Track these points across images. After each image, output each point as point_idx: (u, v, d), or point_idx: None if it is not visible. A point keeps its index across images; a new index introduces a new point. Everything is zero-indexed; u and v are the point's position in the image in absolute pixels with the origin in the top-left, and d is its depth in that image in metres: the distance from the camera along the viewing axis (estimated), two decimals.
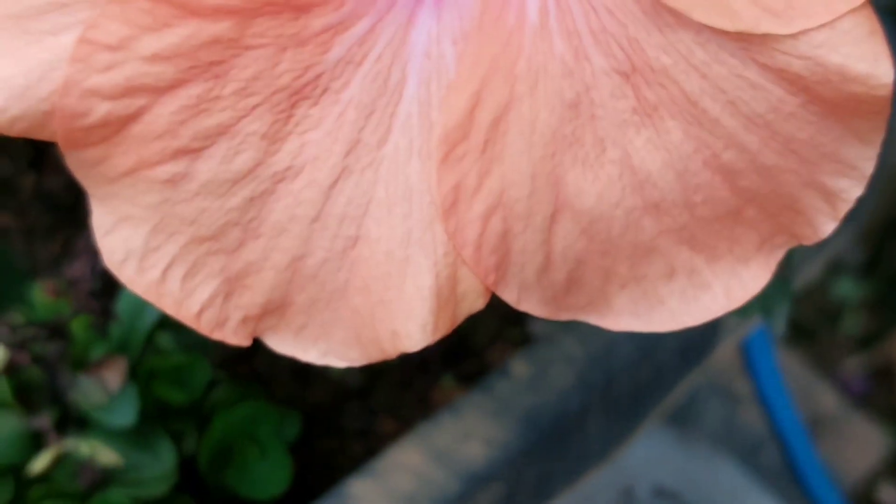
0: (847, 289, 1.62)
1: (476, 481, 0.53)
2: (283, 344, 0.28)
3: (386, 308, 0.27)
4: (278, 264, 0.27)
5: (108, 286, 0.46)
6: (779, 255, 0.27)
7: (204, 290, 0.28)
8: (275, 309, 0.28)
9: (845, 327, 1.61)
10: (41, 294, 0.47)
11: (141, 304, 0.47)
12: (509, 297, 0.27)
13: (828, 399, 1.54)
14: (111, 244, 0.27)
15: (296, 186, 0.27)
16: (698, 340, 0.62)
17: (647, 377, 0.61)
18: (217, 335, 0.28)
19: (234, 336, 0.28)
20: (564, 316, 0.28)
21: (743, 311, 0.42)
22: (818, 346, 1.62)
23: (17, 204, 0.63)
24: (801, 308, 1.62)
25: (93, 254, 0.45)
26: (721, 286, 0.27)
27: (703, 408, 1.41)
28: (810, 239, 0.27)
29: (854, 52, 0.24)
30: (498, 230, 0.26)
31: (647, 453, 1.00)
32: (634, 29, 0.25)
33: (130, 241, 0.27)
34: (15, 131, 0.26)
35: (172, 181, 0.27)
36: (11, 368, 0.46)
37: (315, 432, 0.58)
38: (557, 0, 0.26)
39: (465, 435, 0.54)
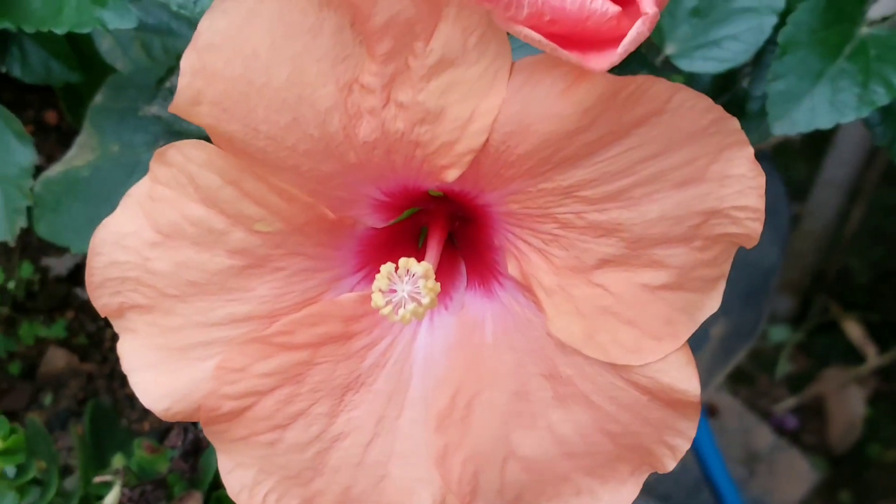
0: (781, 335, 1.73)
1: None
2: None
3: None
4: (335, 491, 0.42)
5: (196, 448, 0.60)
6: (643, 478, 0.42)
7: None
8: None
9: (780, 371, 1.72)
10: (140, 451, 0.61)
11: (211, 458, 0.61)
12: None
13: (764, 436, 1.66)
14: (232, 480, 0.42)
15: (345, 444, 0.42)
16: None
17: None
18: None
19: None
20: None
21: None
22: (756, 389, 1.73)
23: (100, 354, 0.77)
24: (743, 355, 1.75)
25: (182, 429, 0.59)
26: (609, 498, 0.42)
27: None
28: (663, 469, 0.41)
29: (677, 375, 0.39)
30: (471, 471, 0.41)
31: None
32: (551, 352, 0.40)
33: (244, 479, 0.42)
34: (174, 419, 0.41)
35: (270, 443, 0.41)
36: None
37: None
38: (504, 329, 0.41)
39: None
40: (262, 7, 0.35)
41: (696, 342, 0.77)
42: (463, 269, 0.43)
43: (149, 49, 0.62)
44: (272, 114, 0.36)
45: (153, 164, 0.39)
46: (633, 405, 0.39)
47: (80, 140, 0.60)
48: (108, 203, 0.57)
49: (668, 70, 0.62)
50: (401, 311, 0.37)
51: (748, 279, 0.80)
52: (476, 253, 0.42)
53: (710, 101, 0.35)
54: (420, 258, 0.40)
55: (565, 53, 0.33)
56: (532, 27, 0.34)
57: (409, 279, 0.38)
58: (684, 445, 0.40)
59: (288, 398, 0.41)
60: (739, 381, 1.70)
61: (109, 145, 0.59)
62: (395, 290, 0.38)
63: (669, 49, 0.62)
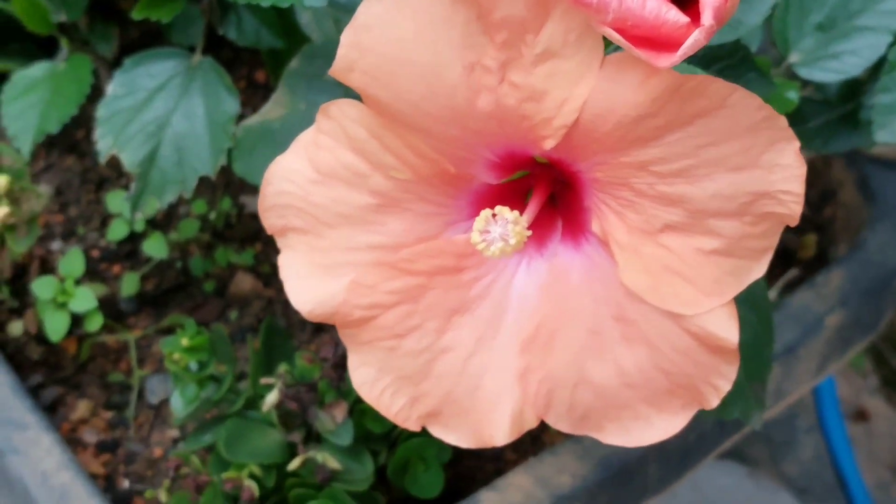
0: None
1: (563, 500, 0.74)
2: (435, 431, 0.51)
3: (488, 422, 0.50)
4: (438, 393, 0.51)
5: (343, 361, 0.70)
6: (693, 412, 0.49)
7: (400, 401, 0.51)
8: (434, 414, 0.51)
9: None
10: (301, 360, 0.71)
11: None
12: (549, 421, 0.50)
13: None
14: (357, 376, 0.51)
15: (450, 357, 0.50)
16: (732, 420, 0.81)
17: (692, 440, 0.81)
18: (403, 424, 0.51)
19: (412, 425, 0.51)
20: (578, 432, 0.50)
21: (726, 414, 0.63)
22: None
23: (279, 283, 0.87)
24: None
25: (335, 343, 0.69)
26: (661, 425, 0.49)
27: (803, 440, 1.57)
28: (708, 406, 0.48)
29: (721, 325, 0.46)
30: (546, 388, 0.49)
31: (722, 483, 1.20)
32: (622, 298, 0.47)
33: (366, 375, 0.51)
34: (315, 320, 0.50)
35: (390, 349, 0.50)
36: (279, 404, 0.70)
37: (464, 455, 0.81)
38: (586, 277, 0.49)
39: (560, 469, 0.75)
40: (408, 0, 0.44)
41: (810, 330, 0.82)
42: (559, 224, 0.50)
43: (339, 24, 0.72)
44: (411, 84, 0.45)
45: (319, 116, 0.49)
46: (685, 348, 0.47)
47: (275, 97, 0.71)
48: None
49: (787, 76, 0.68)
50: (492, 248, 0.46)
51: (871, 276, 0.85)
52: (570, 212, 0.50)
53: (761, 100, 0.42)
54: (523, 212, 0.48)
55: (637, 52, 0.41)
56: (616, 29, 0.41)
57: (501, 223, 0.46)
58: (726, 386, 0.47)
59: (406, 314, 0.50)
60: None
61: (298, 103, 0.69)
62: (489, 231, 0.46)
63: (793, 58, 0.69)
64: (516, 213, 0.46)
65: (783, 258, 0.97)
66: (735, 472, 1.25)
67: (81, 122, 0.88)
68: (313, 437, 0.71)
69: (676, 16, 0.41)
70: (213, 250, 0.86)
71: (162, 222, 0.87)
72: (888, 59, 0.64)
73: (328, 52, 0.68)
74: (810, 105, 0.73)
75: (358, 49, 0.45)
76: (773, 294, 0.91)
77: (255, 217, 0.88)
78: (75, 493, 0.70)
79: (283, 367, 0.72)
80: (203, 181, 0.73)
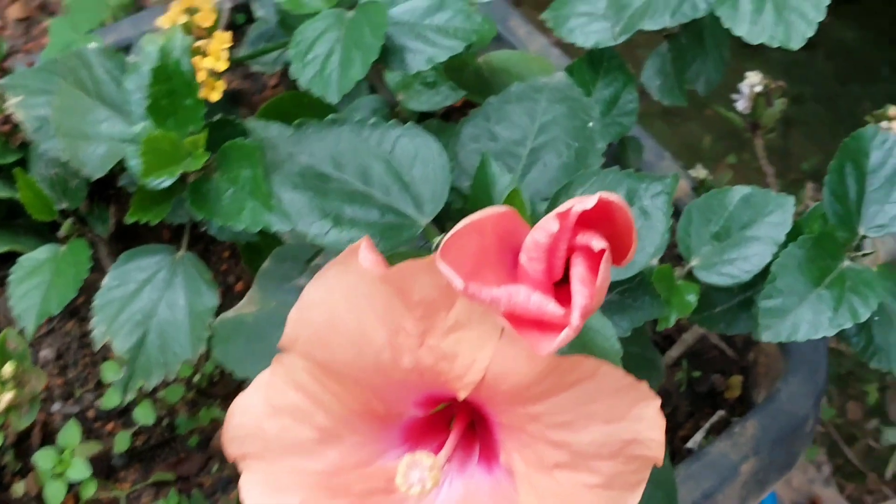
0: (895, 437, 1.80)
1: None
2: None
3: None
4: None
5: None
6: None
7: None
8: None
9: (889, 470, 1.79)
10: None
11: None
12: None
13: None
14: None
15: None
16: None
17: None
18: None
19: None
20: None
21: None
22: (864, 487, 1.80)
23: None
24: (856, 452, 1.83)
25: None
26: None
27: None
28: None
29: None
30: None
31: None
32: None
33: None
34: None
35: None
36: None
37: None
38: (493, 495, 0.57)
39: None
40: (340, 283, 0.52)
41: (727, 477, 0.90)
42: (477, 449, 0.59)
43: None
44: (343, 347, 0.53)
45: (273, 363, 0.57)
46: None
47: (249, 295, 0.79)
48: (262, 342, 0.76)
49: (688, 279, 0.77)
50: (412, 490, 0.54)
51: (781, 425, 0.92)
52: (485, 441, 0.58)
53: (623, 371, 0.50)
54: (447, 439, 0.56)
55: (520, 338, 0.49)
56: (508, 317, 0.50)
57: (420, 469, 0.54)
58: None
59: None
60: (849, 478, 1.79)
61: (269, 302, 0.78)
62: (409, 475, 0.54)
63: (694, 261, 0.77)
64: (432, 459, 0.54)
65: (711, 398, 1.05)
66: None
67: (81, 290, 0.95)
68: None
69: (555, 308, 0.50)
70: (198, 408, 0.94)
71: None
72: (771, 271, 0.73)
73: (296, 254, 0.77)
74: (717, 293, 0.82)
75: (301, 324, 0.53)
76: (700, 436, 0.99)
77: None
78: None
79: None
80: None
